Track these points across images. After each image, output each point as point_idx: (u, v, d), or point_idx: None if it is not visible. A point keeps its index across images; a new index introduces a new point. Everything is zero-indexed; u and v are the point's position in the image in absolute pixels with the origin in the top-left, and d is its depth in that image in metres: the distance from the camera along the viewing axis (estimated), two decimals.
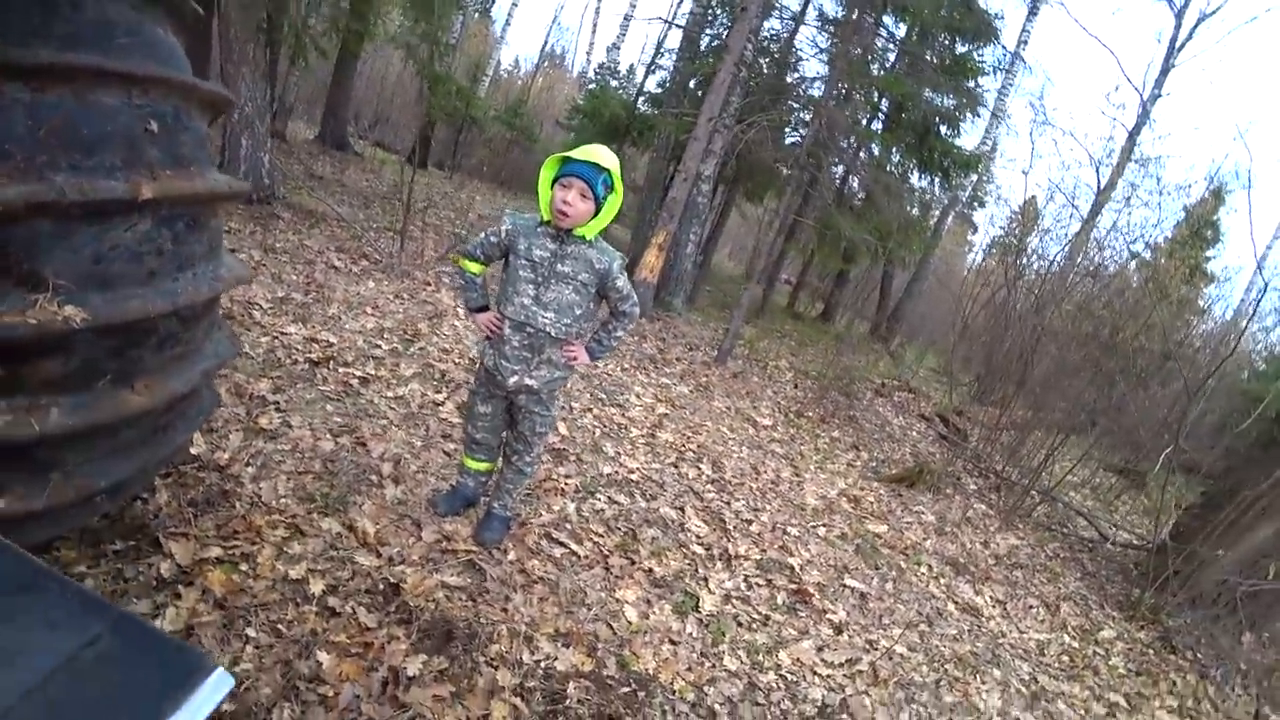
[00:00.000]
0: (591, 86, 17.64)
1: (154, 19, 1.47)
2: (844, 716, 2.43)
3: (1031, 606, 4.19)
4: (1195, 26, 15.35)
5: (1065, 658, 3.74)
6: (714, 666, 2.42)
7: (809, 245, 11.04)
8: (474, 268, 2.30)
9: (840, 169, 10.65)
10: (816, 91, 9.47)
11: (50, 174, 1.22)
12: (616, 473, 3.58)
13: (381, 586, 2.15)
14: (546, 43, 27.19)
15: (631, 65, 19.32)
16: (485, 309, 2.33)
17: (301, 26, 8.27)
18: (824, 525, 3.99)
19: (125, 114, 1.33)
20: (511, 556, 2.53)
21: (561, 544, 2.75)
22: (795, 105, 9.17)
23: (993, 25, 11.25)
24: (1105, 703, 3.47)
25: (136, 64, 1.35)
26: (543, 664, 2.07)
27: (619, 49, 18.88)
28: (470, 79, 16.39)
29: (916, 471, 5.28)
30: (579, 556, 2.72)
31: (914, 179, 11.61)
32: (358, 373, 3.55)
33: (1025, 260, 11.57)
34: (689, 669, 2.35)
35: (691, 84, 10.01)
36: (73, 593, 0.53)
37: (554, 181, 2.10)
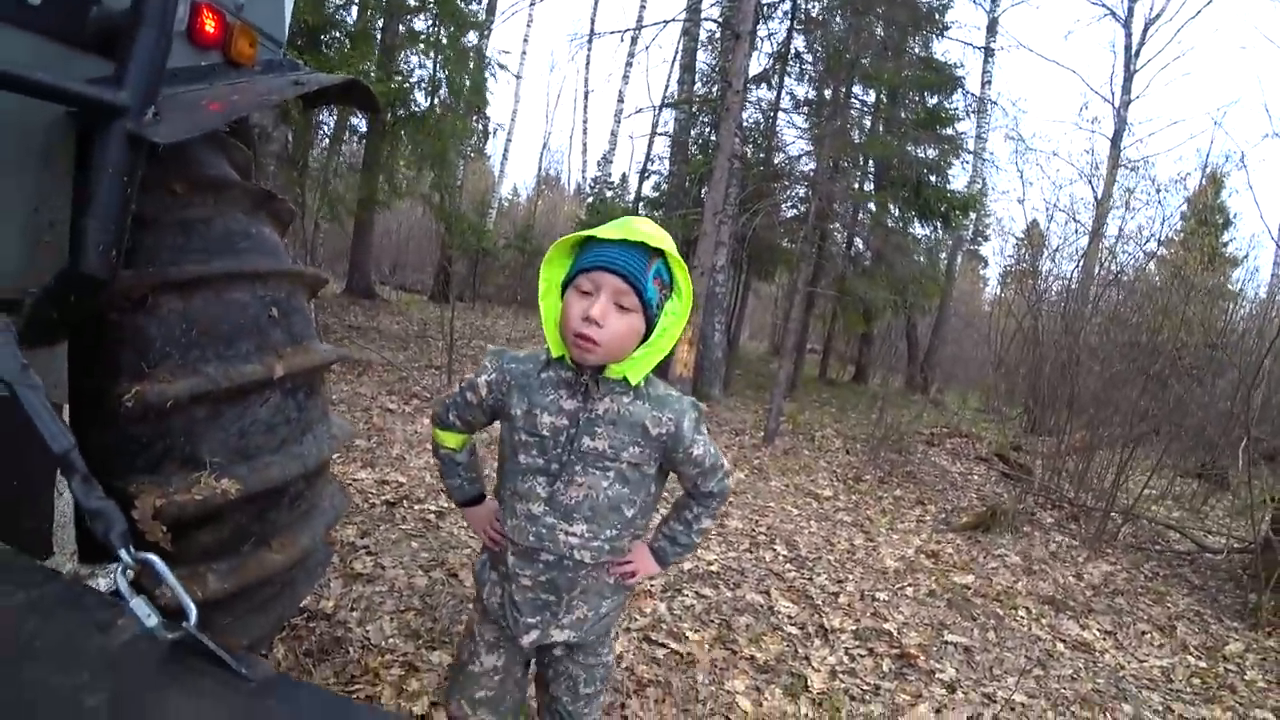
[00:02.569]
0: (590, 200, 18.63)
1: (261, 222, 1.73)
2: None
3: (1144, 632, 4.00)
4: (1145, 31, 16.05)
5: (1195, 680, 3.54)
6: None
7: (829, 313, 11.25)
8: (450, 440, 1.46)
9: (844, 235, 11.03)
10: (805, 166, 9.98)
11: (203, 367, 1.42)
12: (696, 567, 3.60)
13: None
14: (540, 167, 28.95)
15: (624, 174, 20.44)
16: (479, 499, 1.51)
17: (334, 196, 9.01)
18: (910, 585, 3.91)
19: (253, 306, 1.55)
20: (621, 664, 2.55)
21: (662, 644, 2.76)
22: (789, 184, 9.65)
23: (955, 75, 11.88)
24: None
25: (256, 262, 1.59)
26: None
27: (610, 161, 20.07)
28: (478, 214, 17.44)
29: (989, 515, 5.18)
30: (681, 655, 2.72)
31: (916, 229, 11.94)
32: (432, 508, 3.69)
33: (1043, 283, 11.62)
34: None
35: (686, 183, 10.61)
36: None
37: (567, 285, 1.23)
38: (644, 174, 13.89)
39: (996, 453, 8.04)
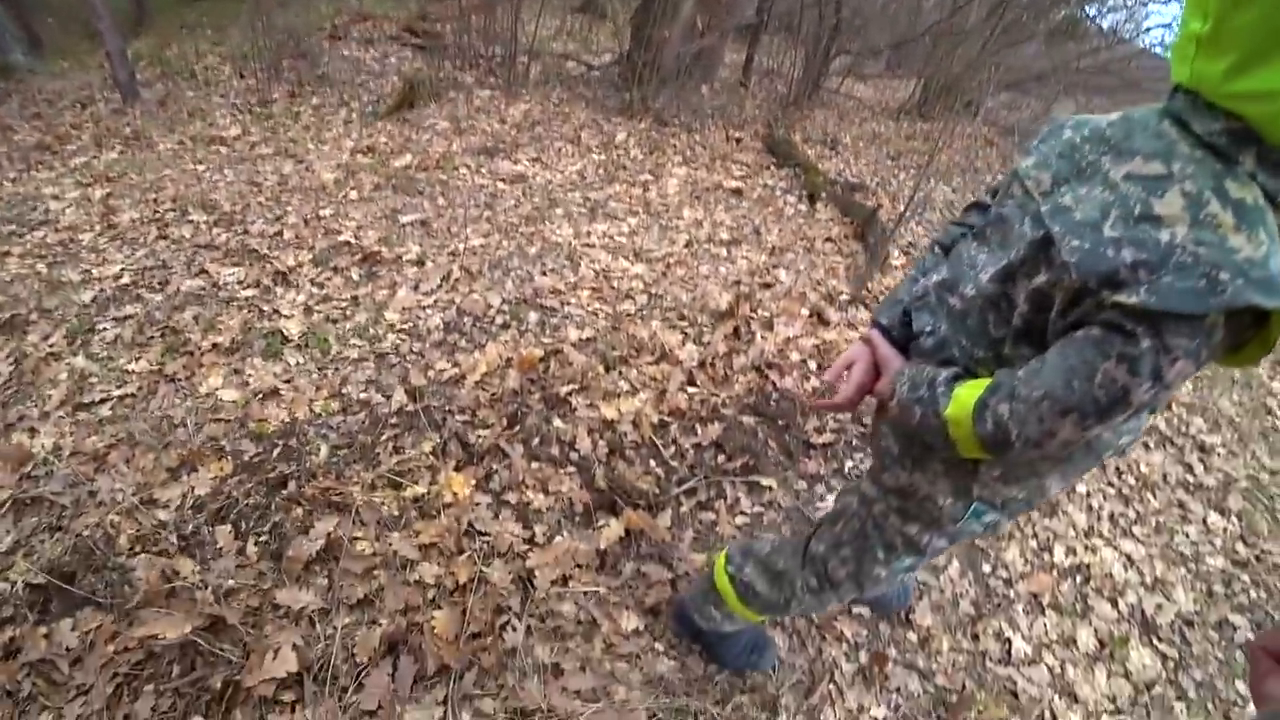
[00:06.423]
0: None
1: None
2: (465, 320, 2.56)
3: (561, 149, 4.62)
4: None
5: (601, 171, 4.32)
6: (339, 369, 2.29)
7: None
8: None
9: None
10: None
11: None
12: (102, 291, 2.70)
13: None
14: None
15: None
16: None
17: None
18: (353, 189, 3.66)
19: None
20: (65, 453, 1.90)
21: (99, 402, 2.12)
22: None
23: None
24: (639, 184, 4.20)
25: None
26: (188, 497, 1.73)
27: None
28: None
29: (409, 91, 4.99)
30: (133, 396, 2.14)
31: None
32: None
33: None
34: (318, 389, 2.18)
35: None
36: None
37: None
38: None
39: (405, 28, 7.58)
